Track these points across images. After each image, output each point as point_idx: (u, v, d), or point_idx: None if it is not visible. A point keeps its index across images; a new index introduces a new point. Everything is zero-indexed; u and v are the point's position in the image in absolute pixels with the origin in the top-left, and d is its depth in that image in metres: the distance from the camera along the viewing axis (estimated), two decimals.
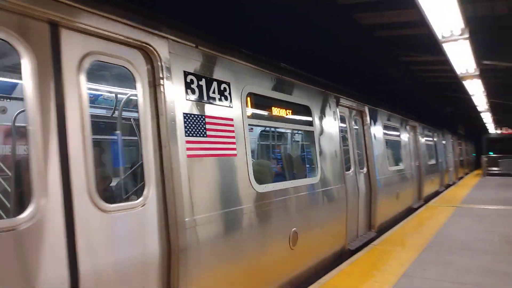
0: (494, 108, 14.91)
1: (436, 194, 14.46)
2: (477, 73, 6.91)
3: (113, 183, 4.11)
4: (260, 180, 4.26)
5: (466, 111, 19.04)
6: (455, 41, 4.85)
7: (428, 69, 11.15)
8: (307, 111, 5.69)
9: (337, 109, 6.58)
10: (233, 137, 3.91)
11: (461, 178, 22.52)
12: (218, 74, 3.84)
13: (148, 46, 3.12)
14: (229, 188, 3.79)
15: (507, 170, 23.98)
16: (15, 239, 2.27)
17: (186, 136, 3.34)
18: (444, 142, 18.49)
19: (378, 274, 5.16)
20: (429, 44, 7.15)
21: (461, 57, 5.99)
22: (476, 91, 9.69)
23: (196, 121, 3.49)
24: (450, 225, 8.45)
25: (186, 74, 3.45)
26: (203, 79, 3.63)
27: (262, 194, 4.22)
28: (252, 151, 6.19)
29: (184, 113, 3.36)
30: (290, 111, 5.40)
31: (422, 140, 13.30)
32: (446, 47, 5.27)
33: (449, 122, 22.72)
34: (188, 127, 3.38)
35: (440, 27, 4.60)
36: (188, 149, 3.34)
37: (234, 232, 3.79)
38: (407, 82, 12.10)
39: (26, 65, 2.41)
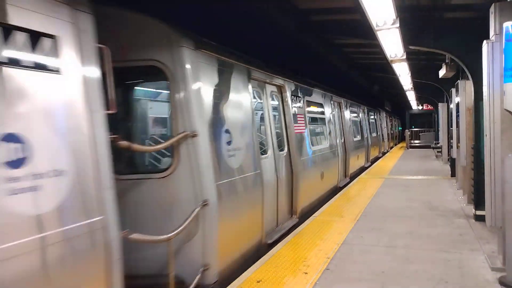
0: (416, 87, 16.25)
1: (362, 170, 14.59)
2: (404, 57, 7.60)
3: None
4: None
5: (392, 89, 20.45)
6: (387, 29, 5.34)
7: (359, 51, 11.87)
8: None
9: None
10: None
11: (387, 151, 24.25)
12: (292, 91, 7.52)
13: (281, 85, 6.96)
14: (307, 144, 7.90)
15: (427, 142, 26.31)
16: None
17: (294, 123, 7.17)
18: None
19: (321, 243, 5.68)
20: (361, 29, 7.69)
21: (392, 43, 6.57)
22: (402, 72, 10.58)
23: (296, 116, 7.54)
24: (380, 195, 9.31)
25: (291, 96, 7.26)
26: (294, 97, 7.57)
27: None
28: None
29: (292, 113, 7.24)
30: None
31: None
32: (380, 34, 5.77)
33: (377, 100, 24.26)
34: (294, 119, 7.31)
35: (375, 16, 5.03)
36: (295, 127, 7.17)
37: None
38: (339, 63, 12.77)
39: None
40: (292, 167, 7.08)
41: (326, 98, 10.46)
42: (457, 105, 8.65)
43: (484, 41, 4.71)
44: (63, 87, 2.60)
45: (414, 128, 31.37)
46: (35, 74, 2.42)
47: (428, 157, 19.08)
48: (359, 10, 5.62)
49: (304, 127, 7.98)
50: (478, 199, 6.61)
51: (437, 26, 7.10)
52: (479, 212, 6.61)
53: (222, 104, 4.74)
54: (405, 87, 15.29)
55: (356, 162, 13.80)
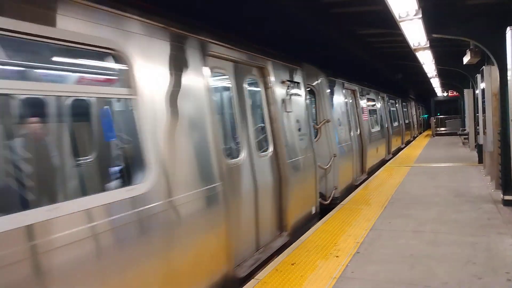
0: (441, 74, 16.08)
1: (382, 163, 13.56)
2: (428, 45, 7.65)
3: None
4: None
5: (416, 76, 20.23)
6: (410, 20, 5.45)
7: (381, 40, 11.87)
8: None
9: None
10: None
11: (411, 140, 23.99)
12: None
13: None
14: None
15: (453, 129, 25.90)
16: None
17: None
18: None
19: (350, 229, 5.89)
20: (383, 20, 7.79)
21: (415, 33, 6.66)
22: (426, 60, 10.57)
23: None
24: (407, 183, 9.40)
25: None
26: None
27: None
28: None
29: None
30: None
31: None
32: (403, 25, 5.88)
33: (400, 87, 24.01)
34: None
35: (397, 7, 5.16)
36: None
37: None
38: (361, 53, 12.79)
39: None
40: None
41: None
42: (483, 91, 8.63)
43: (508, 28, 4.79)
44: (303, 104, 6.79)
45: (440, 115, 30.87)
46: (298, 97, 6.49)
47: (455, 144, 18.87)
48: (380, 2, 5.77)
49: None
50: (506, 184, 6.67)
51: (460, 13, 7.13)
52: (507, 197, 6.68)
53: (336, 105, 8.90)
54: (429, 74, 15.16)
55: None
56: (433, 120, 27.19)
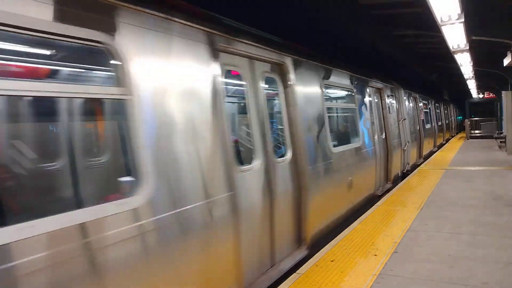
0: (477, 75, 15.78)
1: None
2: (467, 47, 7.62)
3: None
4: None
5: (451, 78, 19.88)
6: (452, 24, 5.50)
7: (418, 41, 11.83)
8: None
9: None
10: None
11: (445, 143, 23.51)
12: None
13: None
14: None
15: (488, 132, 25.21)
16: None
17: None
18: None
19: (387, 229, 5.99)
20: (422, 22, 7.82)
21: (455, 35, 6.67)
22: (464, 61, 10.47)
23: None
24: (442, 186, 9.35)
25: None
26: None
27: None
28: None
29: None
30: None
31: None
32: (444, 29, 5.92)
33: (434, 88, 23.61)
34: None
35: (439, 11, 5.22)
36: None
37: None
38: (398, 54, 12.76)
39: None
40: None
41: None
42: None
43: None
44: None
45: (474, 117, 30.08)
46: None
47: (490, 148, 18.41)
48: (421, 4, 5.84)
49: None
50: None
51: (503, 14, 7.08)
52: None
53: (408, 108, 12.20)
54: (465, 76, 14.92)
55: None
56: (467, 122, 26.55)
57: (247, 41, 4.38)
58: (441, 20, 5.37)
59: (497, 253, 4.81)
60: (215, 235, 3.45)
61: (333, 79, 6.92)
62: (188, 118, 3.31)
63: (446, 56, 11.22)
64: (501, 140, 18.53)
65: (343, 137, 7.81)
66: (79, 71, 4.23)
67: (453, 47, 7.57)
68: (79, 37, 2.54)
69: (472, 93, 26.59)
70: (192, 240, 3.20)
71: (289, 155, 5.14)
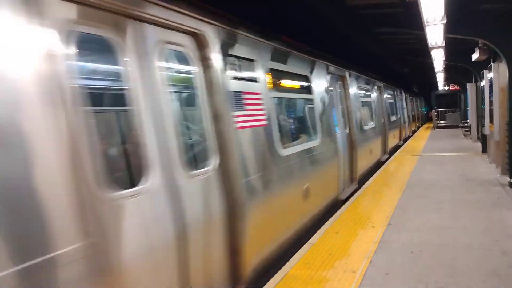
0: (446, 69, 16.95)
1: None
2: (444, 44, 8.47)
3: None
4: None
5: (421, 71, 21.08)
6: (435, 25, 6.24)
7: (395, 38, 12.67)
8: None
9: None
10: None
11: (410, 136, 24.65)
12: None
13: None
14: None
15: (453, 122, 26.83)
16: None
17: None
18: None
19: (378, 207, 6.75)
20: (403, 20, 8.60)
21: (435, 34, 7.47)
22: (437, 56, 11.42)
23: None
24: (418, 170, 10.27)
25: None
26: None
27: None
28: None
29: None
30: None
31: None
32: (428, 29, 6.68)
33: (404, 81, 24.84)
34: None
35: (426, 13, 5.93)
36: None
37: None
38: (374, 49, 13.58)
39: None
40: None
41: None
42: (490, 85, 9.46)
43: None
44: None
45: (439, 108, 31.70)
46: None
47: (456, 136, 19.78)
48: (403, 5, 6.56)
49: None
50: None
51: (475, 16, 7.93)
52: None
53: None
54: (436, 69, 16.04)
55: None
56: (434, 113, 28.07)
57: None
58: (427, 21, 6.10)
59: (475, 223, 5.64)
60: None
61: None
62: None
63: (420, 51, 12.12)
64: (466, 129, 19.91)
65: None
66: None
67: (431, 44, 8.38)
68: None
69: (439, 85, 28.05)
70: None
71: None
